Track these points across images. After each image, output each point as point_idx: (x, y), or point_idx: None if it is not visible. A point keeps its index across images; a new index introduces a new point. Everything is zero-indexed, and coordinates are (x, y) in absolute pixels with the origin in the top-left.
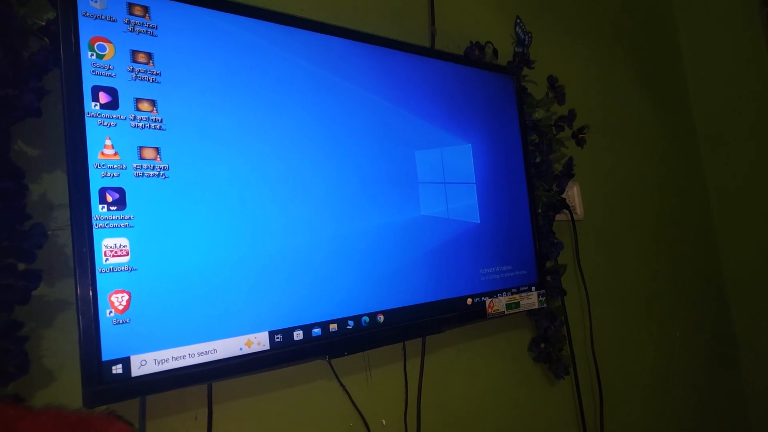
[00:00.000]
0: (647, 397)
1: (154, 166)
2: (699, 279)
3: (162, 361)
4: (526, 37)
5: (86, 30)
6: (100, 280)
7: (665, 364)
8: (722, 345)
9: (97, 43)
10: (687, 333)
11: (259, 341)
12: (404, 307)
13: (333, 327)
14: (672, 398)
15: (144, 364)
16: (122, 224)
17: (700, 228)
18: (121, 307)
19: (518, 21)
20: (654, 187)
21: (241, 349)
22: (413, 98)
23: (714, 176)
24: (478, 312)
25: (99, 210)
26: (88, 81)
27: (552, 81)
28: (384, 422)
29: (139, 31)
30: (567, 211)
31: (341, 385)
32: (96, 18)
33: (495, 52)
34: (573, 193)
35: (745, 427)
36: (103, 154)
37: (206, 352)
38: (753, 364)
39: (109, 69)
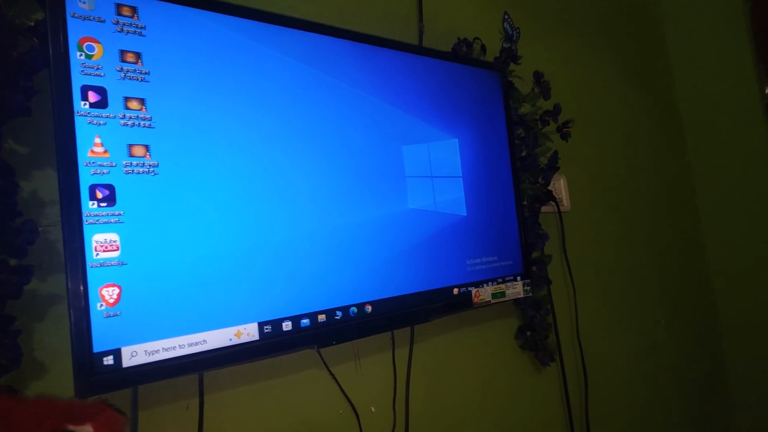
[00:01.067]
0: (632, 383)
1: (143, 164)
2: (684, 268)
3: (152, 352)
4: (514, 32)
5: (75, 30)
6: (91, 274)
7: (650, 351)
8: (706, 333)
9: (85, 44)
10: (671, 321)
11: (249, 332)
12: (392, 298)
13: (321, 317)
14: (656, 384)
15: (135, 355)
16: (112, 220)
17: (686, 218)
18: (111, 301)
19: (506, 17)
20: (640, 179)
21: (230, 339)
22: (401, 94)
23: (700, 168)
24: (465, 301)
25: (89, 206)
26: (78, 80)
27: (538, 76)
28: (373, 409)
29: (128, 32)
30: (553, 203)
31: (330, 373)
32: (84, 19)
33: (483, 47)
34: (560, 186)
35: (728, 410)
36: (92, 152)
37: (196, 343)
38: (736, 350)
39: (98, 69)
